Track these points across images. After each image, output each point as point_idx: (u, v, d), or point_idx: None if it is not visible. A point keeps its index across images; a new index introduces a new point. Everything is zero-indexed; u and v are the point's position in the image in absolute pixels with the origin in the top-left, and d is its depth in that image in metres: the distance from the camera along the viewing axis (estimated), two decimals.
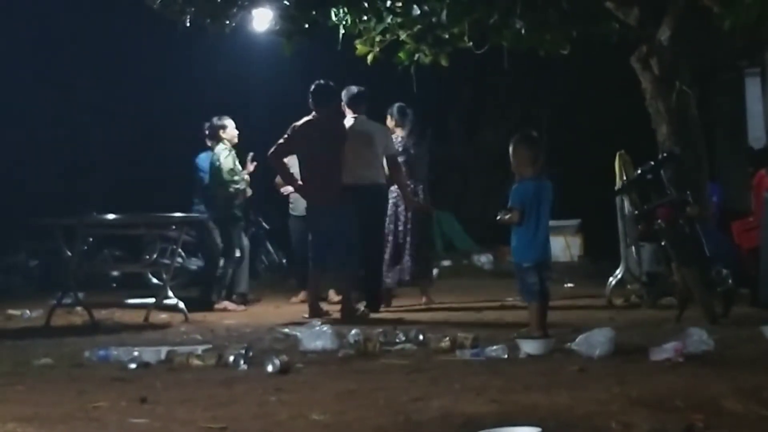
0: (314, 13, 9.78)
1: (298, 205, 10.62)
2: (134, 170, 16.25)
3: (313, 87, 9.23)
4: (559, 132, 16.12)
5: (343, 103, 9.58)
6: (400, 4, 9.57)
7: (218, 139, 10.47)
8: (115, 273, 13.90)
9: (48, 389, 5.27)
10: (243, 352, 5.99)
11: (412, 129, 10.30)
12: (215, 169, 10.35)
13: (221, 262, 10.46)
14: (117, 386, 5.28)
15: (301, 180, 9.39)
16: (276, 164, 9.41)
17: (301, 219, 10.45)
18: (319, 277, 9.41)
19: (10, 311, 10.15)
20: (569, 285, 11.47)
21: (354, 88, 9.64)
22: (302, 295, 10.74)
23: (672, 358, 5.39)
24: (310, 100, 9.23)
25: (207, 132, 10.64)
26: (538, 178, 6.71)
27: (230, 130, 10.56)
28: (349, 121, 9.51)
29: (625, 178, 9.04)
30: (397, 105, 10.26)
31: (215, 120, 10.58)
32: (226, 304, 10.22)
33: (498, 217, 6.78)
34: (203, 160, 10.82)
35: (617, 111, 14.44)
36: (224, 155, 10.35)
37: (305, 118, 9.28)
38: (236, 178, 10.38)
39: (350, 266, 9.15)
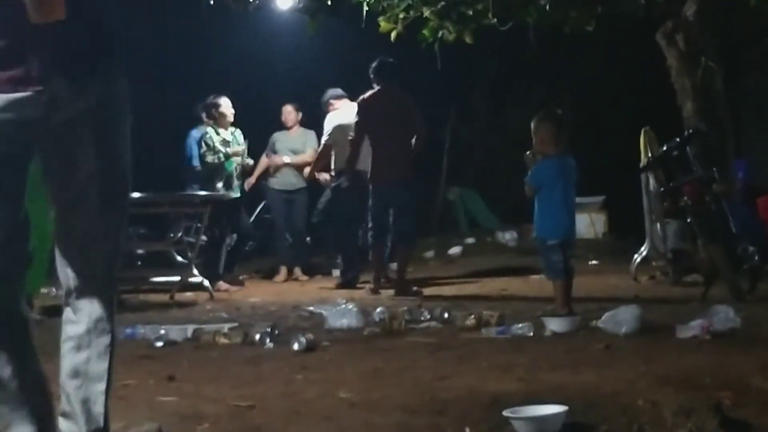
0: None
1: (282, 179, 11.19)
2: (157, 149, 16.26)
3: (376, 63, 9.35)
4: (584, 108, 16.03)
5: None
6: None
7: (212, 119, 10.50)
8: (140, 251, 13.95)
9: None
10: (269, 330, 6.02)
11: None
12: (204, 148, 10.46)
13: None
14: (144, 364, 5.32)
15: (373, 156, 9.32)
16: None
17: (283, 192, 11.22)
18: (383, 253, 9.46)
19: None
20: (594, 262, 11.44)
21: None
22: (283, 273, 11.11)
23: (698, 336, 5.37)
24: (373, 75, 9.34)
25: (204, 111, 10.68)
26: (562, 156, 6.69)
27: (224, 109, 10.52)
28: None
29: (650, 154, 9.00)
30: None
31: (211, 99, 10.56)
32: (220, 283, 10.19)
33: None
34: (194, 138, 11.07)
35: (642, 87, 14.33)
36: (215, 137, 10.41)
37: (371, 92, 9.34)
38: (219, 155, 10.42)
39: (411, 241, 9.36)
